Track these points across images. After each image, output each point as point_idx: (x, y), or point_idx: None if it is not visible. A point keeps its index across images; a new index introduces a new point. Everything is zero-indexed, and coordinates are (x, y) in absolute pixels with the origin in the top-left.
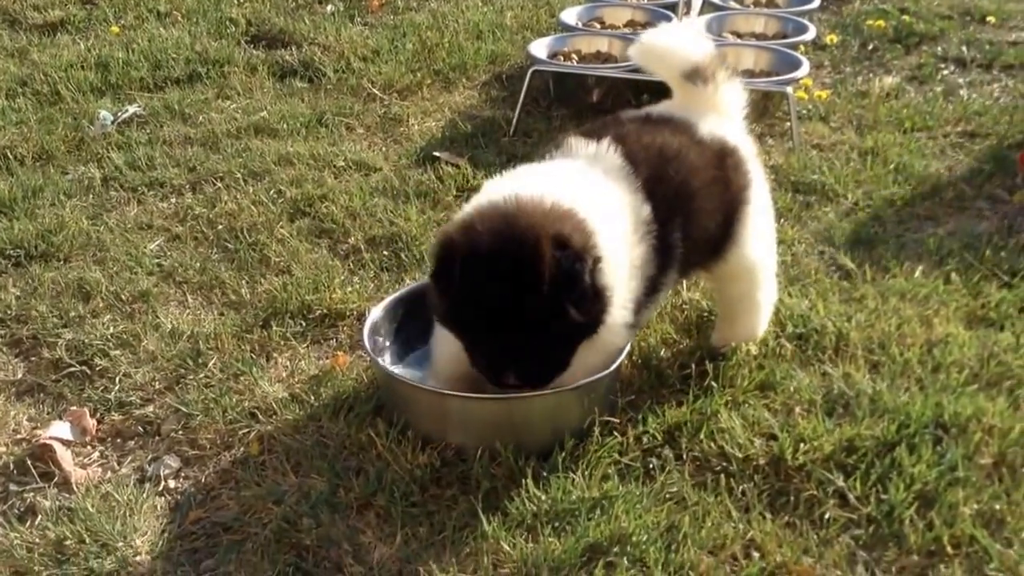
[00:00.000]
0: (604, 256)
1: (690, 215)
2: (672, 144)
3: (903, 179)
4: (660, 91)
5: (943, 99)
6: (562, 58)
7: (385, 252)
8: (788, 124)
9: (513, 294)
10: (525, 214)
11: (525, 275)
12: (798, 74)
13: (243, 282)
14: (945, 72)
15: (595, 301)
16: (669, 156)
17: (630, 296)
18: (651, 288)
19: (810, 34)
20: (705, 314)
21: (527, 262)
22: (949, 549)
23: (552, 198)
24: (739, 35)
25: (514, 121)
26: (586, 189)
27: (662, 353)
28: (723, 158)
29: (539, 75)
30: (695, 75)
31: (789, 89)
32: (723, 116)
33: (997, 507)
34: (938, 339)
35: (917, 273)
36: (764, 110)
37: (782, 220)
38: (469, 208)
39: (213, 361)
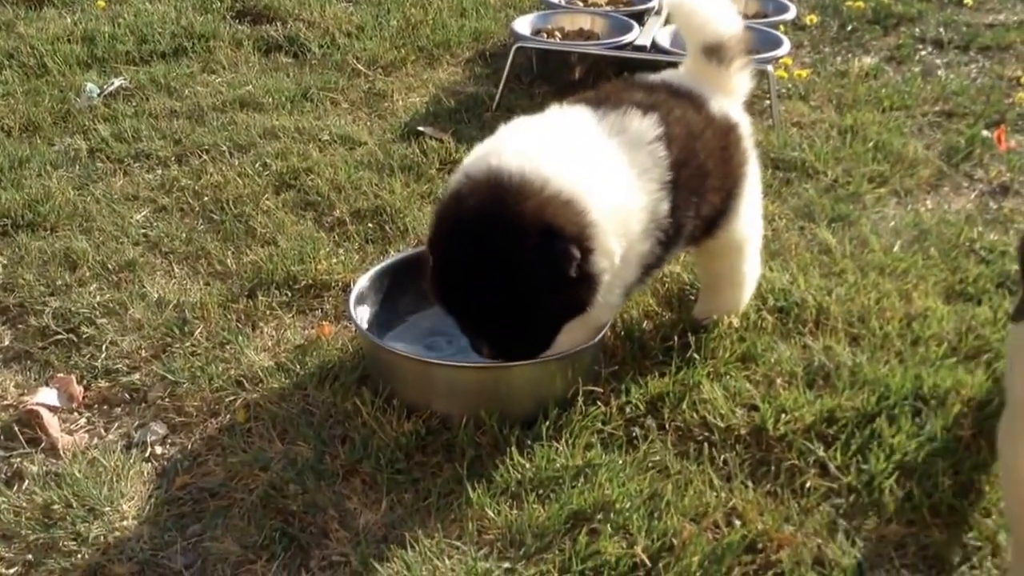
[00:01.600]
0: (601, 247)
1: (704, 194)
2: (696, 122)
3: (882, 157)
4: (640, 69)
5: (921, 79)
6: (545, 35)
7: (370, 224)
8: (768, 102)
9: (492, 278)
10: (520, 198)
11: (504, 262)
12: (778, 53)
13: (228, 253)
14: (923, 53)
15: (581, 289)
16: (695, 135)
17: (622, 283)
18: (651, 267)
19: (790, 14)
20: (687, 287)
21: (508, 250)
22: (928, 518)
23: (556, 185)
24: None
25: (497, 97)
26: (607, 180)
27: (644, 325)
28: (728, 134)
29: (522, 52)
30: (714, 52)
31: (770, 68)
32: (729, 96)
33: (976, 477)
34: (917, 313)
35: (896, 248)
36: None
37: (763, 196)
38: (477, 170)
39: (199, 330)
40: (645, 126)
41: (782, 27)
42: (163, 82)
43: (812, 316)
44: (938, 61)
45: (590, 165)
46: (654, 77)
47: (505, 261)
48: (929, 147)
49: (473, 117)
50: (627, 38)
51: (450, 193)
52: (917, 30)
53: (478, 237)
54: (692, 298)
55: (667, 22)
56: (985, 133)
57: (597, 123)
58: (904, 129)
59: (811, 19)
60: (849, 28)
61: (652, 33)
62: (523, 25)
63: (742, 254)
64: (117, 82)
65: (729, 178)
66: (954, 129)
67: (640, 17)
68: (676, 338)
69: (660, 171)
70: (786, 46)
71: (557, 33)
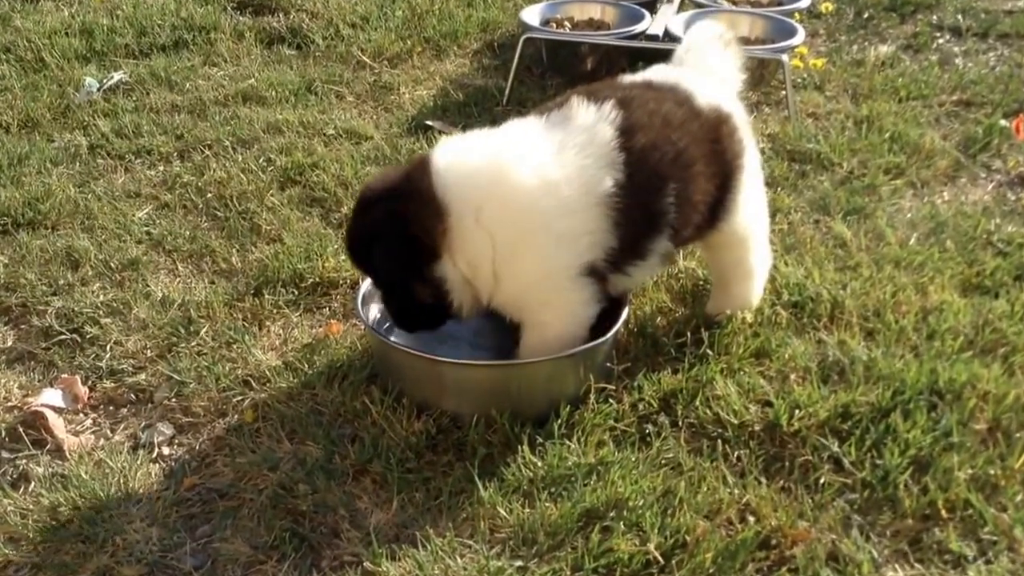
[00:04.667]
0: (458, 249)
1: (689, 182)
2: (673, 112)
3: (898, 148)
4: (654, 59)
5: (938, 68)
6: (555, 25)
7: None
8: (783, 92)
9: (353, 247)
10: (399, 187)
11: (357, 234)
12: (794, 42)
13: (233, 250)
14: (940, 41)
15: (422, 287)
16: (669, 124)
17: (566, 263)
18: (624, 254)
19: (805, 2)
20: (700, 283)
21: (364, 226)
22: (943, 513)
23: (441, 181)
24: (735, 2)
25: (507, 90)
26: (514, 167)
27: (658, 321)
28: (719, 126)
29: (532, 43)
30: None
31: (785, 57)
32: (720, 80)
33: (991, 472)
34: (933, 307)
35: (912, 241)
36: (760, 78)
37: (778, 188)
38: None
39: (205, 329)
40: (590, 112)
41: (797, 15)
42: (163, 76)
43: (827, 311)
44: (956, 49)
45: (494, 157)
46: (639, 75)
47: (367, 229)
48: (946, 137)
49: (483, 111)
50: (639, 27)
51: None
52: (935, 17)
53: (356, 210)
54: (706, 293)
55: (680, 9)
56: (1003, 123)
57: (543, 119)
58: (921, 119)
59: (827, 7)
60: (865, 16)
61: (664, 21)
62: (532, 15)
63: (748, 245)
64: (117, 76)
65: (724, 168)
66: (972, 119)
67: (652, 5)
68: (689, 334)
69: (600, 149)
70: (801, 35)
71: (567, 23)
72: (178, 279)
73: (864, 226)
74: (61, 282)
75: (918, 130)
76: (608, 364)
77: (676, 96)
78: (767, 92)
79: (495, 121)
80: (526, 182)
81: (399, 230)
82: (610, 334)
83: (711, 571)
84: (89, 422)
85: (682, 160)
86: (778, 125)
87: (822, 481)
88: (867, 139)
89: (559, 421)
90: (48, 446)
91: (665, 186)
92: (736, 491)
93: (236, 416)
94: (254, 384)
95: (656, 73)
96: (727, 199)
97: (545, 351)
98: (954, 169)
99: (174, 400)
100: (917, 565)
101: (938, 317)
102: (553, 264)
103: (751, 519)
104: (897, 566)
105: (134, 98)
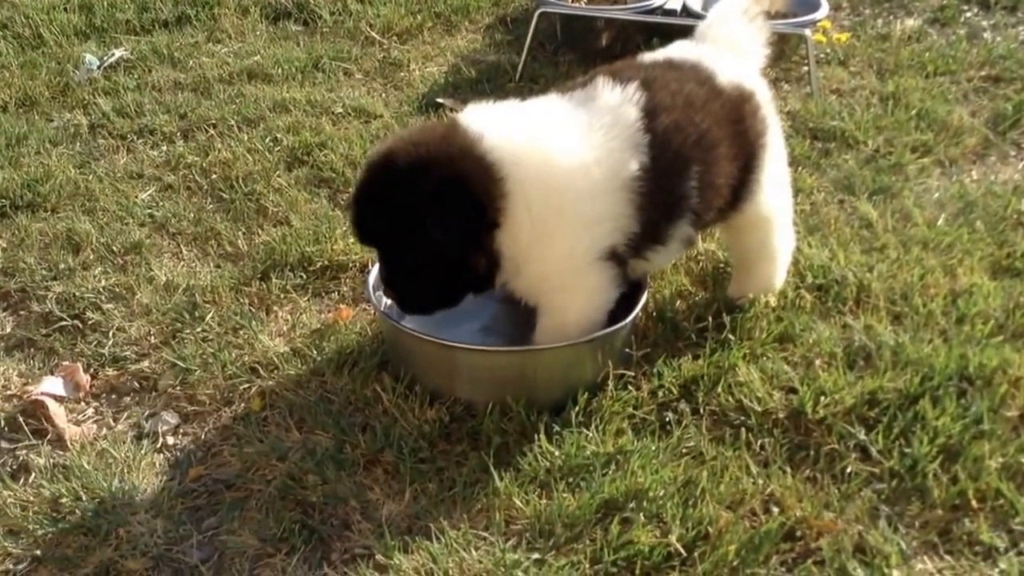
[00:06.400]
0: (510, 220)
1: (713, 164)
2: (695, 92)
3: (925, 125)
4: (671, 35)
5: (966, 42)
6: None
7: None
8: (806, 68)
9: (394, 221)
10: (448, 151)
11: (401, 204)
12: (816, 16)
13: (240, 233)
14: (968, 14)
15: (477, 256)
16: (691, 105)
17: (588, 245)
18: (647, 238)
19: None
20: (721, 265)
21: (413, 194)
22: (974, 503)
23: (492, 147)
24: None
25: (520, 66)
26: (554, 143)
27: (677, 305)
28: (742, 104)
29: (546, 17)
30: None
31: (807, 32)
32: (744, 56)
33: (1023, 460)
34: (962, 289)
35: (940, 222)
36: (781, 54)
37: (800, 168)
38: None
39: (210, 315)
40: (615, 93)
41: None
42: (166, 52)
43: (852, 294)
44: (984, 23)
45: (534, 133)
46: (660, 52)
47: (416, 198)
48: (975, 114)
49: (495, 88)
50: (656, 2)
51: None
52: None
53: (381, 166)
54: (727, 276)
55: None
56: None
57: (567, 97)
58: (948, 95)
59: None
60: None
61: None
62: None
63: (772, 227)
64: (117, 53)
65: (747, 148)
66: (1001, 95)
67: None
68: (710, 318)
69: (625, 131)
70: (824, 8)
71: None
72: (182, 263)
73: (890, 206)
74: (61, 266)
75: (946, 107)
76: (627, 350)
77: (698, 75)
78: (787, 68)
79: (508, 98)
80: (568, 162)
81: (462, 196)
82: (629, 319)
83: (734, 563)
84: (91, 411)
85: (705, 142)
86: (799, 102)
87: (848, 470)
88: (893, 116)
89: (576, 409)
90: (49, 436)
91: (688, 169)
92: (760, 481)
93: (243, 404)
94: (261, 371)
95: (677, 50)
96: (750, 180)
97: (562, 336)
98: (983, 147)
99: (179, 388)
100: (947, 557)
101: (968, 300)
102: (577, 248)
103: (775, 510)
104: (926, 558)
105: (135, 76)
